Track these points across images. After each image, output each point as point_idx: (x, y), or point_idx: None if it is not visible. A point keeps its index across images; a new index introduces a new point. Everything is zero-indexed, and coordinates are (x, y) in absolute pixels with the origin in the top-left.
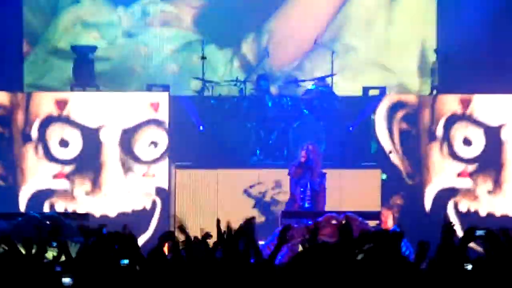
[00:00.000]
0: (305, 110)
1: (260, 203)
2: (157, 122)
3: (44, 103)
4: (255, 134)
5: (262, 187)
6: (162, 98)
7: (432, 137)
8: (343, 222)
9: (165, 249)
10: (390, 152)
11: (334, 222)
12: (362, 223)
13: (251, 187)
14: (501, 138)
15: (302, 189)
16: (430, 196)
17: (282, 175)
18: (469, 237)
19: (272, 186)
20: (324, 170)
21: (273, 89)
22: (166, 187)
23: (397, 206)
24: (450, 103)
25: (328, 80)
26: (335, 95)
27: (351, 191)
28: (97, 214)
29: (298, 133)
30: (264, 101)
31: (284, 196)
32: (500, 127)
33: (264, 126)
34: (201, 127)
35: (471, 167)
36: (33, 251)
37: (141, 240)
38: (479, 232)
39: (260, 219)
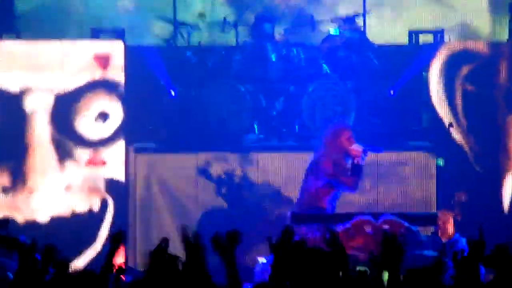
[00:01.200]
0: (324, 66)
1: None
2: (107, 85)
3: None
4: (252, 102)
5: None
6: (114, 49)
7: None
8: (384, 229)
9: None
10: (451, 125)
11: (368, 229)
12: (410, 231)
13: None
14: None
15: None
16: (510, 188)
17: (293, 162)
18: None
19: (278, 178)
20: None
21: (278, 35)
22: (122, 180)
23: (460, 205)
24: None
25: (359, 21)
26: (369, 44)
27: (393, 184)
28: (21, 219)
29: (314, 100)
30: (265, 53)
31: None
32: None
33: (265, 90)
34: (172, 92)
35: None
36: None
37: (86, 258)
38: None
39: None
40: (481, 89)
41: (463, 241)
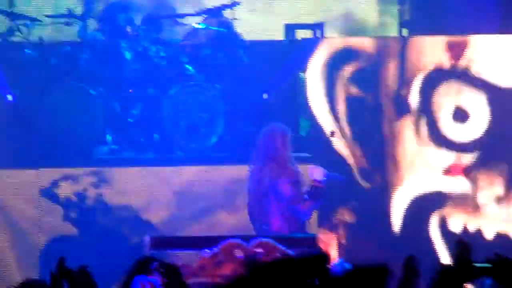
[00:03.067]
0: (188, 66)
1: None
2: None
3: None
4: (104, 108)
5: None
6: None
7: (402, 108)
8: (256, 253)
9: None
10: (332, 134)
11: (239, 253)
12: (286, 255)
13: None
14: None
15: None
16: (400, 207)
17: (155, 178)
18: (465, 273)
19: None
20: (222, 167)
21: (134, 30)
22: None
23: (344, 224)
24: (431, 50)
25: (228, 13)
26: (240, 40)
27: None
28: None
29: (177, 105)
30: (119, 50)
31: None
32: (509, 90)
33: (119, 94)
34: (9, 97)
35: (467, 159)
36: None
37: None
38: (481, 266)
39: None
40: (367, 92)
41: (345, 267)
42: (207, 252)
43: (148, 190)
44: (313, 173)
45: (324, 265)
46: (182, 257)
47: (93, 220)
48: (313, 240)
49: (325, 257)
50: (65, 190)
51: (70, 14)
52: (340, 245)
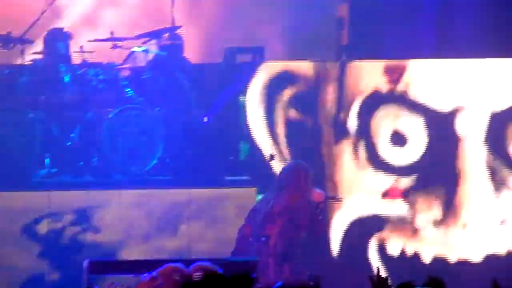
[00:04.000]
0: (127, 89)
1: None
2: None
3: None
4: (42, 131)
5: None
6: None
7: (340, 131)
8: (196, 276)
9: None
10: (272, 157)
11: (177, 277)
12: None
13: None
14: (455, 131)
15: None
16: (338, 230)
17: (93, 201)
18: None
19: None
20: (162, 191)
21: (73, 53)
22: None
23: None
24: (369, 74)
25: (168, 36)
26: (180, 63)
27: (210, 225)
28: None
29: (116, 128)
30: (58, 74)
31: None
32: (453, 113)
33: (57, 117)
34: None
35: (405, 182)
36: None
37: None
38: None
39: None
40: (306, 116)
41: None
42: (145, 276)
43: (86, 214)
44: (315, 198)
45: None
46: (121, 281)
47: (28, 244)
48: (254, 263)
49: (250, 278)
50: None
51: (9, 38)
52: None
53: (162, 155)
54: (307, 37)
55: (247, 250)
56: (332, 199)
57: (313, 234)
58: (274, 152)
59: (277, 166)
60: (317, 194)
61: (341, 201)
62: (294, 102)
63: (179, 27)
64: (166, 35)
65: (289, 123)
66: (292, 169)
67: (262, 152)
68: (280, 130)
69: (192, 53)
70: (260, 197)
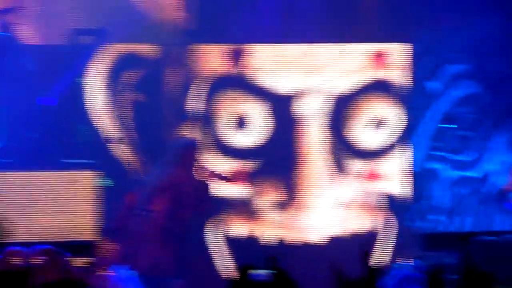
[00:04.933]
0: None
1: None
2: None
3: None
4: None
5: None
6: None
7: (184, 115)
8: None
9: None
10: (115, 140)
11: (19, 260)
12: (67, 264)
13: None
14: (298, 115)
15: None
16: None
17: None
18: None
19: None
20: (7, 173)
21: None
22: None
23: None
24: (213, 58)
25: (9, 17)
26: (20, 44)
27: (51, 209)
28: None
29: None
30: None
31: None
32: (296, 97)
33: None
34: None
35: (249, 165)
36: None
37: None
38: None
39: None
40: (149, 99)
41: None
42: None
43: None
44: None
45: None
46: None
47: None
48: (89, 246)
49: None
50: None
51: None
52: (120, 253)
53: (4, 138)
54: (152, 20)
55: (128, 221)
56: (219, 177)
57: (200, 212)
58: (117, 135)
59: (120, 148)
60: (203, 172)
61: (229, 179)
62: (138, 84)
63: (21, 7)
64: (7, 15)
65: (132, 106)
66: (181, 146)
67: (105, 134)
68: (123, 112)
69: (34, 34)
70: (106, 181)
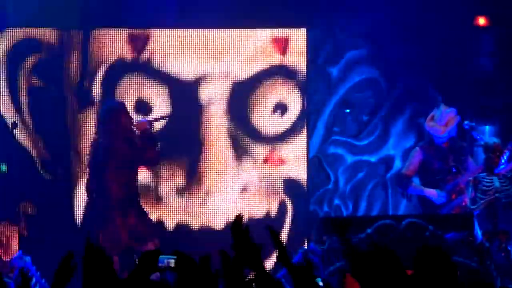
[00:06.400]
0: None
1: None
2: None
3: None
4: None
5: None
6: None
7: (84, 100)
8: None
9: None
10: (15, 125)
11: None
12: None
13: None
14: (198, 100)
15: None
16: (79, 205)
17: None
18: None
19: None
20: None
21: None
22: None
23: (26, 217)
24: (113, 43)
25: None
26: None
27: None
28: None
29: None
30: None
31: None
32: (197, 82)
33: None
34: None
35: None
36: None
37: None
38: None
39: None
40: (49, 83)
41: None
42: None
43: None
44: (140, 128)
45: None
46: None
47: None
48: None
49: None
50: None
51: None
52: (21, 237)
53: None
54: (50, 3)
55: (93, 209)
56: (159, 120)
57: (150, 164)
58: (16, 120)
59: (19, 134)
60: (139, 124)
61: (168, 118)
62: (37, 69)
63: None
64: None
65: (32, 91)
66: (107, 111)
67: (4, 119)
68: (23, 97)
69: None
70: (2, 166)
